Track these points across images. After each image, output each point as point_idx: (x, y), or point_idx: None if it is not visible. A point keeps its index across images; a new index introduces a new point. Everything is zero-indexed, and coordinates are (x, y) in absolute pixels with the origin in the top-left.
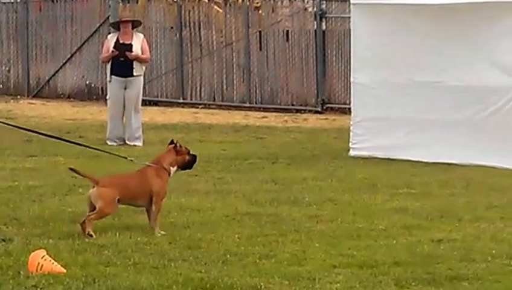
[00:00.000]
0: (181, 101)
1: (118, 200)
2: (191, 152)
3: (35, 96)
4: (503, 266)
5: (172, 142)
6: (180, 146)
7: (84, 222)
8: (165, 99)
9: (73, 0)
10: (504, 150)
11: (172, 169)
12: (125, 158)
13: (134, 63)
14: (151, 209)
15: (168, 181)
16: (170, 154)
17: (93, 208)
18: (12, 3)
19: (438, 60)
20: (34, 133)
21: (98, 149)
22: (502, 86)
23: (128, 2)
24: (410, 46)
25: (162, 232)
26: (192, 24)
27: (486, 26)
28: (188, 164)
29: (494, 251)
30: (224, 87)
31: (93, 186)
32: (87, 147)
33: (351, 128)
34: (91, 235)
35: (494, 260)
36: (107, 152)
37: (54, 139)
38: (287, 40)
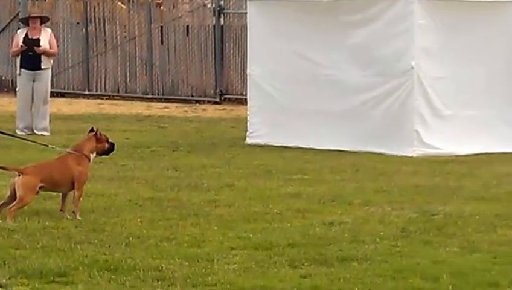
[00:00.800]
0: (87, 92)
1: (42, 187)
2: (109, 140)
3: None
4: (390, 247)
5: (92, 130)
6: (100, 134)
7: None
8: (71, 91)
9: None
10: (391, 138)
11: (92, 156)
12: (47, 146)
13: (42, 56)
14: (66, 196)
15: (89, 167)
16: (90, 141)
17: (14, 194)
18: None
19: (327, 53)
20: None
21: (20, 138)
22: (386, 78)
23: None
24: (302, 40)
25: (69, 217)
26: (97, 20)
27: (365, 23)
28: (107, 151)
29: (382, 233)
30: (128, 79)
31: (18, 175)
32: (10, 135)
33: (248, 118)
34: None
35: (382, 242)
36: (29, 140)
37: None
38: (187, 34)
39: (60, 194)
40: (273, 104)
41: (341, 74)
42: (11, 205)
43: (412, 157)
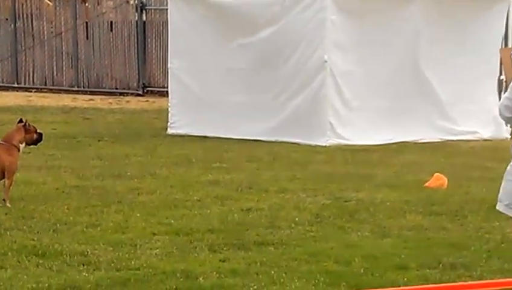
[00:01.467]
0: (15, 85)
1: None
2: (38, 130)
3: None
4: (305, 232)
5: (21, 121)
6: (29, 125)
7: None
8: (0, 84)
9: None
10: (305, 128)
11: (21, 146)
12: None
13: None
14: None
15: (18, 157)
16: (19, 132)
17: None
18: None
19: (242, 48)
20: None
21: None
22: (299, 71)
23: None
24: (218, 36)
25: None
26: (25, 16)
27: (279, 18)
28: (35, 141)
29: (297, 219)
30: (55, 73)
31: None
32: None
33: (169, 109)
34: None
35: (297, 227)
36: None
37: None
38: (111, 30)
39: None
40: (193, 96)
41: (256, 68)
42: None
43: (325, 146)
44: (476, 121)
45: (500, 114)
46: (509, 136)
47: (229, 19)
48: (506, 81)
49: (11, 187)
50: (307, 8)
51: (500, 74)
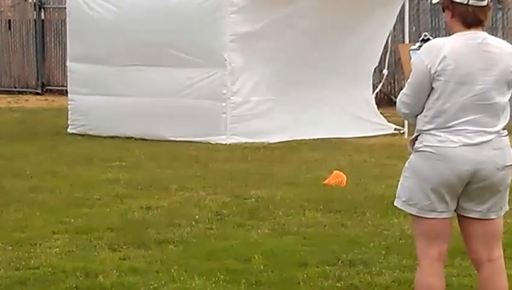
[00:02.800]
0: None
1: None
2: None
3: None
4: (205, 230)
5: None
6: None
7: None
8: None
9: None
10: (205, 126)
11: None
12: None
13: None
14: None
15: None
16: None
17: None
18: None
19: (140, 45)
20: None
21: None
22: (199, 69)
23: None
24: (115, 34)
25: None
26: None
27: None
28: None
29: (197, 216)
30: None
31: None
32: None
33: (69, 108)
34: None
35: (197, 225)
36: None
37: None
38: (10, 28)
39: None
40: (92, 95)
41: (154, 66)
42: None
43: (225, 144)
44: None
45: (398, 110)
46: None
47: (123, 15)
48: (404, 78)
49: None
50: (208, 4)
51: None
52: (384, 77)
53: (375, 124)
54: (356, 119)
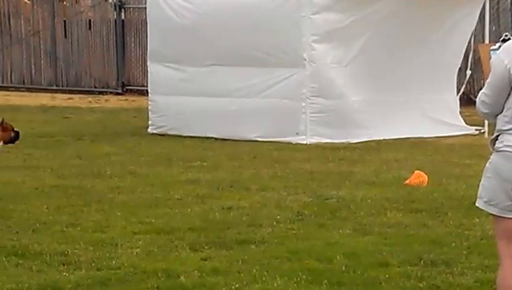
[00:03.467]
0: None
1: None
2: (14, 129)
3: None
4: (286, 230)
5: None
6: (6, 123)
7: None
8: None
9: None
10: (285, 126)
11: None
12: None
13: None
14: None
15: None
16: None
17: None
18: None
19: (222, 46)
20: None
21: None
22: (280, 68)
23: None
24: (198, 33)
25: None
26: (2, 14)
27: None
28: (12, 139)
29: (278, 217)
30: (33, 72)
31: None
32: None
33: (149, 108)
34: None
35: (278, 225)
36: None
37: None
38: (90, 28)
39: None
40: (173, 95)
41: (234, 66)
42: None
43: (305, 144)
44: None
45: (478, 110)
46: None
47: (209, 16)
48: (483, 78)
49: None
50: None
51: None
52: (467, 77)
53: (454, 127)
54: (437, 122)
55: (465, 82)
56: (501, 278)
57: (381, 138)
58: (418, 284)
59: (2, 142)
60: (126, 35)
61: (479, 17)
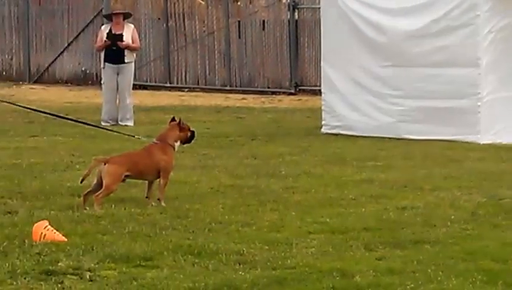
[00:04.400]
0: (168, 85)
1: (128, 176)
2: (190, 128)
3: (35, 82)
4: (461, 231)
5: (173, 119)
6: (183, 123)
7: (86, 193)
8: (153, 83)
9: None
10: (458, 125)
11: (177, 144)
12: (133, 136)
13: (126, 51)
14: (152, 184)
15: (174, 156)
16: (174, 130)
17: (100, 182)
18: None
19: (394, 51)
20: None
21: (106, 129)
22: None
23: None
24: (373, 35)
25: (154, 204)
26: (177, 15)
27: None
28: (189, 139)
29: (452, 217)
30: (207, 72)
31: (104, 164)
32: (95, 126)
33: (322, 108)
34: (86, 209)
35: (453, 225)
36: (114, 131)
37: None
38: (263, 29)
39: (146, 182)
40: (346, 95)
41: (408, 67)
42: (97, 193)
43: (479, 144)
44: None
45: None
46: None
47: (385, 17)
48: None
49: (166, 187)
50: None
51: None
52: None
53: None
54: None
55: None
56: None
57: None
58: None
59: (179, 141)
60: (299, 35)
61: None
